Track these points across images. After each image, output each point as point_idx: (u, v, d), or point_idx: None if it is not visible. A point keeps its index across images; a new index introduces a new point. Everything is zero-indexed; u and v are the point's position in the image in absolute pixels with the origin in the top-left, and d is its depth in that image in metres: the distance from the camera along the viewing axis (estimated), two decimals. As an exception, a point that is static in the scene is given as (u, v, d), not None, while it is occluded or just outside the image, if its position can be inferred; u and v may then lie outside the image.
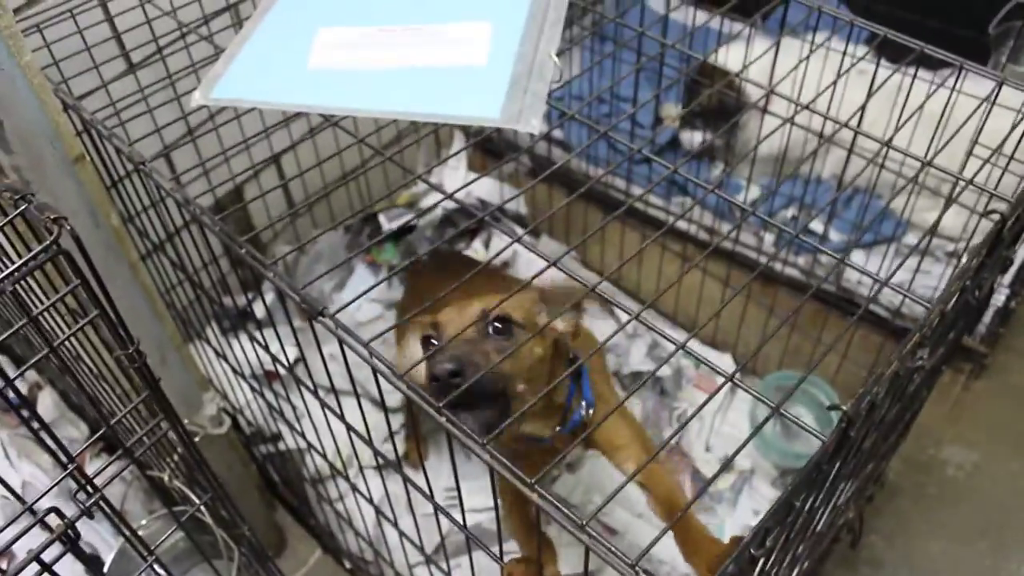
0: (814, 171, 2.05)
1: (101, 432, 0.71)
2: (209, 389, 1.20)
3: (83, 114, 1.00)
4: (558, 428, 1.12)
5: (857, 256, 1.92)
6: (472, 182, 1.06)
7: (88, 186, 0.92)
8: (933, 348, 0.85)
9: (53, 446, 0.67)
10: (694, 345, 1.72)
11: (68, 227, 0.61)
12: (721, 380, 1.68)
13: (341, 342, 0.74)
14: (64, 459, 0.67)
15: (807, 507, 0.75)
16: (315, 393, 0.97)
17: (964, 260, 0.84)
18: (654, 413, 1.63)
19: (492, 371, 0.89)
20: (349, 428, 0.93)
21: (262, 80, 1.00)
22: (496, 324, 0.97)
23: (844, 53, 1.29)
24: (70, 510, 0.65)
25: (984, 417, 1.73)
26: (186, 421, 1.13)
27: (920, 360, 0.77)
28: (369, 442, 0.92)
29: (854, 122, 1.09)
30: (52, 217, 0.60)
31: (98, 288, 0.65)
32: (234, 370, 1.20)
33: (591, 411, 1.14)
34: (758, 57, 1.31)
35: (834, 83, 1.19)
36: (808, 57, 1.32)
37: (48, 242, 0.59)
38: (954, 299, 0.82)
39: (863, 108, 1.19)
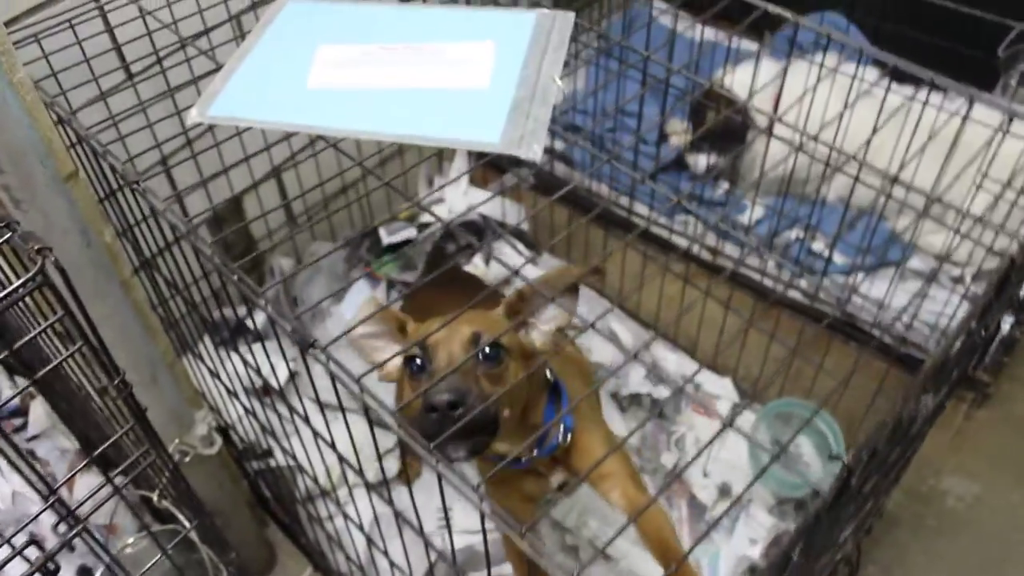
0: (820, 193, 2.03)
1: (85, 462, 0.70)
2: (201, 407, 1.19)
3: (78, 129, 0.99)
4: (534, 451, 1.10)
5: (860, 279, 1.90)
6: (481, 203, 1.05)
7: (80, 204, 0.91)
8: (937, 389, 0.83)
9: (34, 478, 0.65)
10: (692, 369, 1.71)
11: (52, 258, 0.59)
12: (722, 406, 1.66)
13: (333, 377, 0.72)
14: (45, 491, 0.66)
15: (806, 557, 0.73)
16: (306, 420, 0.95)
17: (971, 290, 0.83)
18: (652, 436, 1.61)
19: (476, 396, 0.88)
20: (341, 459, 0.91)
21: (260, 98, 0.98)
22: (485, 349, 0.95)
23: (854, 77, 1.28)
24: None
25: (986, 447, 1.71)
26: (176, 441, 1.12)
27: (924, 407, 0.75)
28: (360, 472, 0.90)
29: (861, 152, 1.07)
30: (36, 248, 0.59)
31: (83, 319, 0.63)
32: (228, 390, 1.18)
33: (569, 436, 1.12)
34: (765, 85, 1.29)
35: (841, 114, 1.17)
36: (816, 86, 1.31)
37: (31, 274, 0.57)
38: (959, 341, 0.81)
39: (869, 141, 1.18)
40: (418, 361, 0.96)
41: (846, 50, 2.07)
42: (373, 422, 0.77)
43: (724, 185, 2.05)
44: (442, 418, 0.85)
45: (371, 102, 0.96)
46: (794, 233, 1.91)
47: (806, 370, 1.65)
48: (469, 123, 0.93)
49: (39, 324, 0.61)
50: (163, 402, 1.09)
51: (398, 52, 1.03)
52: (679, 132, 2.13)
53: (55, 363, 0.62)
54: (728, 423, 0.68)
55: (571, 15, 1.09)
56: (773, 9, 1.21)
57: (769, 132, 1.61)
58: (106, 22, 1.22)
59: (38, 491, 0.66)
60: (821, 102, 1.50)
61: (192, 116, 0.95)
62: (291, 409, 0.97)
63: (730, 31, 1.39)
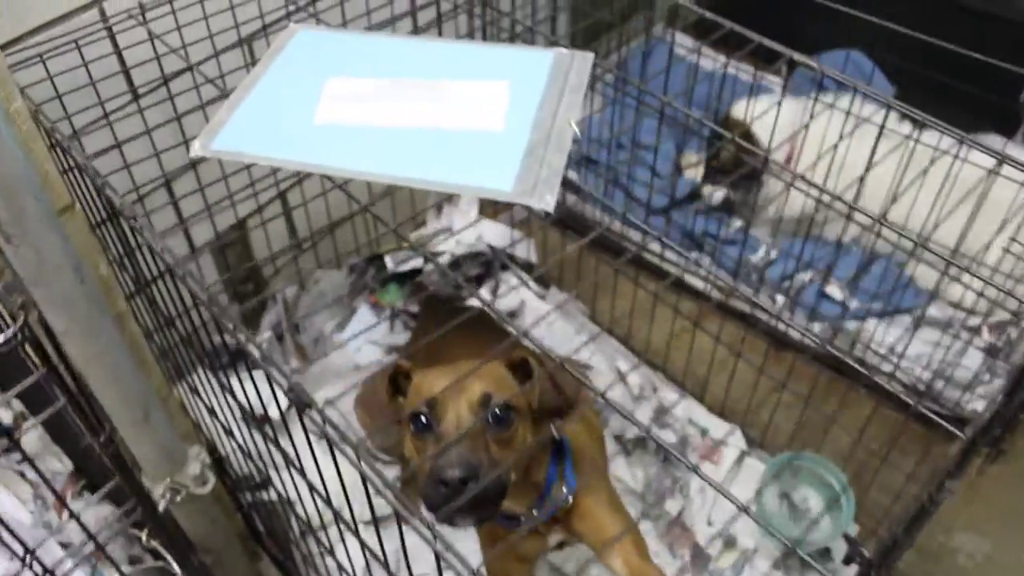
0: (834, 235, 1.99)
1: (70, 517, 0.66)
2: (195, 443, 1.15)
3: (76, 156, 0.96)
4: (534, 510, 1.06)
5: (874, 325, 1.86)
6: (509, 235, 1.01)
7: (75, 238, 0.87)
8: (960, 466, 0.79)
9: (9, 539, 0.62)
10: (700, 415, 1.67)
11: (35, 313, 0.56)
12: (729, 451, 1.62)
13: (331, 445, 0.68)
14: (22, 553, 0.62)
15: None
16: (301, 472, 0.91)
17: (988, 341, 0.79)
18: (656, 482, 1.57)
19: (483, 464, 0.85)
20: (337, 516, 0.87)
21: (266, 132, 0.95)
22: (496, 411, 0.91)
23: (880, 129, 1.24)
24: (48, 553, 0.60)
25: (998, 504, 1.66)
26: (168, 479, 1.08)
27: (950, 492, 0.71)
28: (354, 530, 0.86)
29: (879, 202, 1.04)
30: (19, 302, 0.55)
31: (68, 375, 0.60)
32: (225, 429, 1.15)
33: (571, 498, 1.08)
34: (789, 137, 1.26)
35: (867, 171, 1.14)
36: (841, 139, 1.28)
37: (12, 331, 0.54)
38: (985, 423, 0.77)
39: (895, 196, 1.15)
40: (423, 419, 0.92)
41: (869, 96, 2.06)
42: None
43: (738, 223, 2.02)
44: (453, 492, 0.82)
45: (379, 141, 0.93)
46: (808, 276, 1.87)
47: (816, 417, 1.61)
48: (481, 168, 0.90)
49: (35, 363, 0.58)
50: (155, 439, 1.05)
51: (409, 88, 1.00)
52: (693, 164, 2.10)
53: (35, 421, 0.59)
54: (744, 508, 0.64)
55: (590, 56, 1.06)
56: (799, 58, 1.18)
57: (790, 184, 1.58)
58: (114, 43, 1.19)
59: (12, 551, 0.62)
60: (840, 146, 1.47)
61: (195, 149, 0.92)
62: (287, 459, 0.94)
63: (750, 63, 1.36)
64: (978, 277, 0.93)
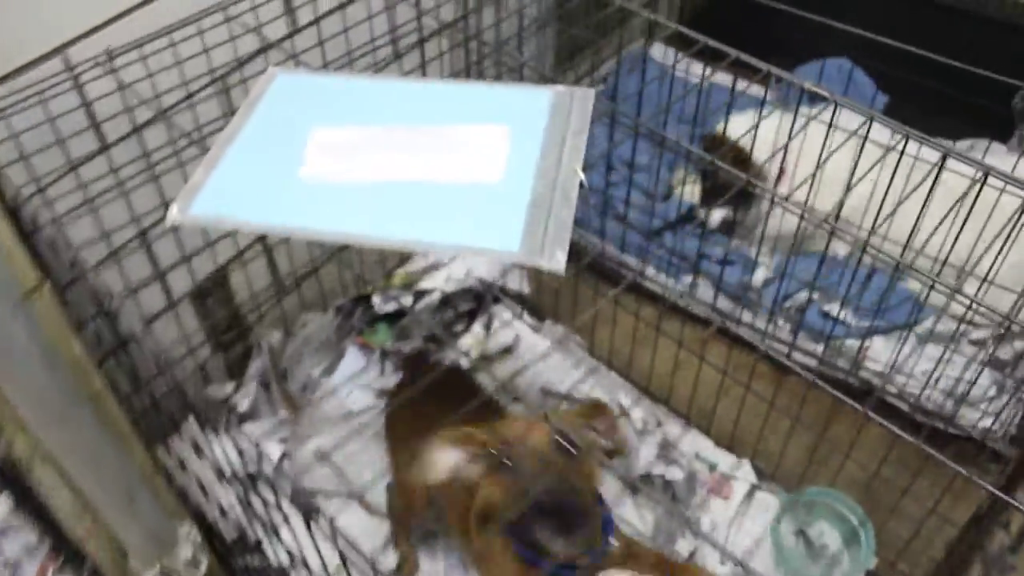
0: (830, 251, 1.95)
1: None
2: (184, 521, 1.08)
3: (40, 221, 0.89)
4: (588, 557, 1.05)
5: (876, 342, 1.81)
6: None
7: (44, 323, 0.80)
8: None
9: None
10: (707, 448, 1.61)
11: None
12: (739, 484, 1.56)
13: (343, 557, 0.61)
14: None
15: None
16: (292, 559, 0.84)
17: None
18: (665, 520, 1.51)
19: (576, 491, 0.92)
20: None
21: (248, 193, 0.88)
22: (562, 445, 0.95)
23: (864, 140, 1.20)
24: None
25: None
26: (158, 566, 1.01)
27: (1012, 568, 0.66)
28: None
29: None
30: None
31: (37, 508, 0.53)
32: (221, 511, 1.08)
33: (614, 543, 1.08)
34: (775, 152, 1.22)
35: (848, 188, 1.09)
36: (823, 153, 1.23)
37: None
38: None
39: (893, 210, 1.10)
40: (503, 460, 0.96)
41: (855, 98, 2.02)
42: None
43: (735, 242, 1.96)
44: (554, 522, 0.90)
45: (372, 198, 0.86)
46: (806, 295, 1.82)
47: (827, 444, 1.56)
48: (483, 225, 0.83)
49: None
50: (142, 522, 0.98)
51: (401, 136, 0.94)
52: (682, 182, 2.05)
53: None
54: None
55: (591, 93, 0.99)
56: (778, 72, 1.13)
57: (775, 203, 1.53)
58: (82, 95, 1.12)
59: None
60: (833, 160, 1.42)
61: (172, 216, 0.85)
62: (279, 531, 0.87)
63: (734, 74, 1.31)
64: (961, 293, 0.89)
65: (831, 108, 1.95)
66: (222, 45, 1.24)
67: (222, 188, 0.88)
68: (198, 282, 1.46)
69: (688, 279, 1.89)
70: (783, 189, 1.84)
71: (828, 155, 1.21)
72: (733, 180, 1.83)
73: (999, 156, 1.98)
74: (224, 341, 1.58)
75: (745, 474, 1.56)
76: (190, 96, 1.20)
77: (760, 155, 1.79)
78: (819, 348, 1.78)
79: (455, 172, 0.89)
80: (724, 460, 1.57)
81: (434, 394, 1.00)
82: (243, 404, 1.54)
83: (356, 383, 1.65)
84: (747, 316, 1.81)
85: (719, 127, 1.88)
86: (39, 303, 0.80)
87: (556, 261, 0.79)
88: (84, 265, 0.92)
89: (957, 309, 1.79)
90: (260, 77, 1.04)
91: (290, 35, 1.32)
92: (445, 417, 0.94)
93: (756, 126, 1.42)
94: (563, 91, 0.99)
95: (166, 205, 1.24)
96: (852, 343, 1.78)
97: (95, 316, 1.07)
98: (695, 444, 1.59)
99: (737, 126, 1.84)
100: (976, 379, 1.54)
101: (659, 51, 2.34)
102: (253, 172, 0.90)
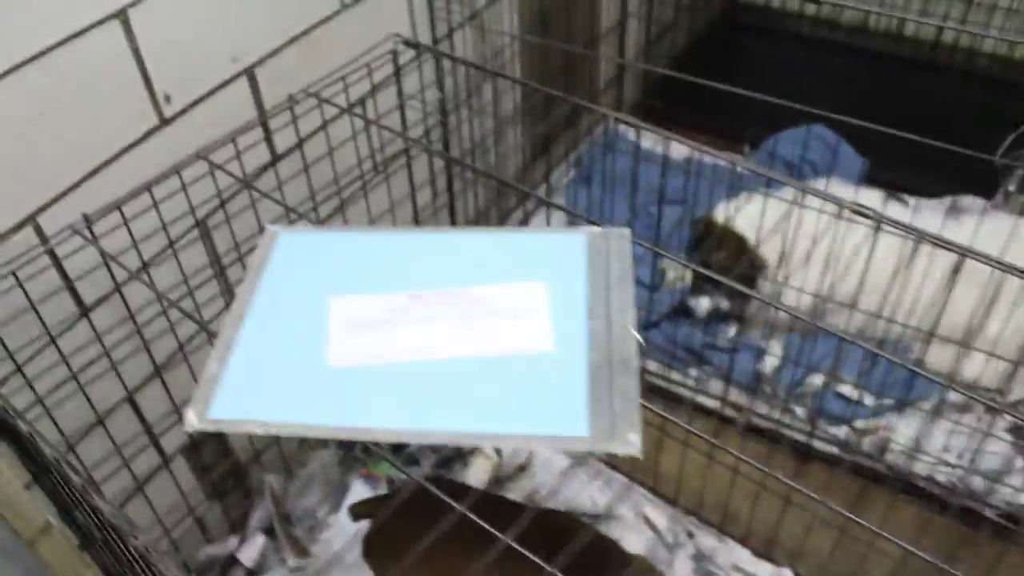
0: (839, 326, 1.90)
1: None
2: None
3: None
4: None
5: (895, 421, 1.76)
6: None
7: (56, 563, 0.70)
8: None
9: None
10: (745, 559, 1.52)
11: None
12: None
13: None
14: None
15: None
16: None
17: None
18: (711, 644, 1.42)
19: None
20: None
21: (273, 386, 0.79)
22: None
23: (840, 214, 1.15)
24: None
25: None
26: None
27: None
28: None
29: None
30: None
31: None
32: None
33: None
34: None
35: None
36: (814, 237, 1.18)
37: None
38: None
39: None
40: None
41: (841, 176, 1.99)
42: None
43: (731, 330, 1.90)
44: None
45: (414, 384, 0.78)
46: (819, 379, 1.76)
47: (852, 527, 1.48)
48: (542, 407, 0.75)
49: None
50: None
51: (430, 303, 0.86)
52: (674, 270, 1.99)
53: None
54: None
55: (626, 233, 0.93)
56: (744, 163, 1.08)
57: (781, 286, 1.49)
58: (60, 269, 1.02)
59: None
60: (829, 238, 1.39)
61: (190, 421, 0.75)
62: None
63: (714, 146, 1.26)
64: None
65: (825, 179, 1.93)
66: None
67: (242, 382, 0.79)
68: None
69: (694, 372, 1.82)
70: (782, 273, 1.80)
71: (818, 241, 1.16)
72: (730, 267, 1.80)
73: (993, 220, 1.95)
74: (222, 490, 1.46)
75: (788, 585, 1.47)
76: (172, 244, 1.11)
77: (754, 239, 1.75)
78: (839, 432, 1.72)
79: (497, 344, 0.81)
80: (764, 571, 1.49)
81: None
82: (249, 559, 1.42)
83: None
84: (760, 406, 1.75)
85: (716, 214, 1.83)
86: (45, 546, 0.70)
87: (630, 444, 0.71)
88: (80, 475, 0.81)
89: (969, 373, 1.75)
90: (260, 240, 0.95)
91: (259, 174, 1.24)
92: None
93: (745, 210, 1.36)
94: (597, 233, 0.92)
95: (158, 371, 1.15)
96: (865, 422, 1.73)
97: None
98: (732, 555, 1.51)
99: (730, 210, 1.80)
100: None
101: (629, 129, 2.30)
102: (274, 359, 0.81)
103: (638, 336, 0.80)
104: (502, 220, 2.05)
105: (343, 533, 1.52)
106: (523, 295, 0.85)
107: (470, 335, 0.81)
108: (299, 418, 0.76)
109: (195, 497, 1.39)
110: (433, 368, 0.79)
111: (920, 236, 1.04)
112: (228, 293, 1.20)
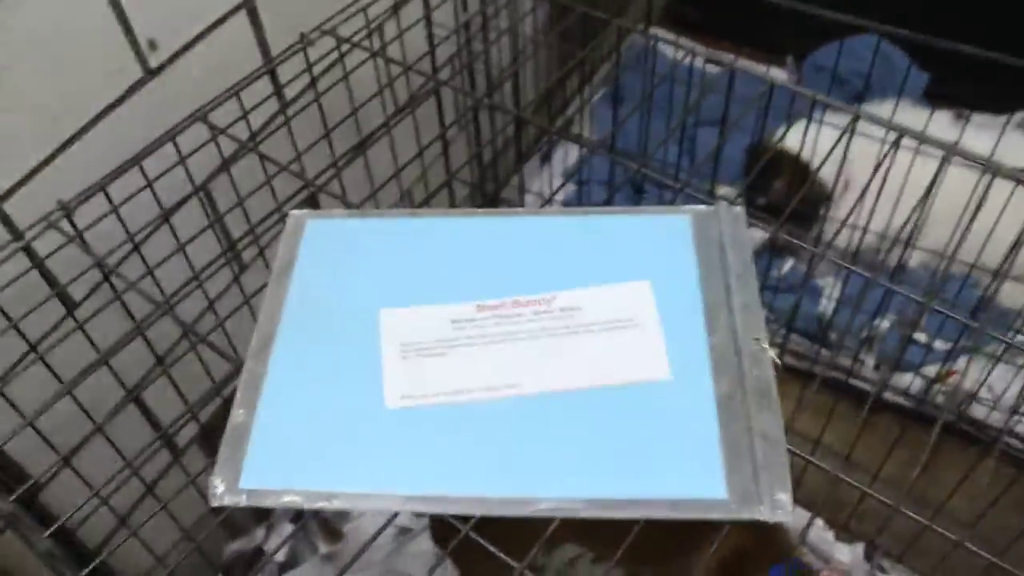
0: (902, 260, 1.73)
1: None
2: None
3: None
4: None
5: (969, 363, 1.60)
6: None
7: None
8: None
9: None
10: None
11: None
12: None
13: None
14: None
15: None
16: None
17: None
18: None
19: None
20: None
21: (318, 443, 0.62)
22: None
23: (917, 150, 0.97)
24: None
25: None
26: None
27: None
28: None
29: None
30: None
31: None
32: None
33: None
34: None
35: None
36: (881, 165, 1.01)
37: None
38: None
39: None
40: None
41: (903, 93, 1.79)
42: None
43: (790, 261, 1.74)
44: None
45: (501, 431, 0.61)
46: (886, 322, 1.60)
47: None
48: (666, 461, 0.59)
49: None
50: None
51: (506, 315, 0.68)
52: (731, 200, 1.81)
53: None
54: None
55: (740, 211, 0.75)
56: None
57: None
58: (42, 271, 0.84)
59: None
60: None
61: (217, 495, 0.59)
62: None
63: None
64: None
65: (882, 99, 1.72)
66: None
67: (278, 436, 0.62)
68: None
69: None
70: (845, 206, 1.63)
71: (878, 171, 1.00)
72: (789, 199, 1.62)
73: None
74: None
75: (858, 561, 1.35)
76: (177, 240, 0.92)
77: (822, 168, 1.56)
78: (910, 380, 1.57)
79: (599, 371, 0.64)
80: (841, 550, 1.36)
81: None
82: (279, 551, 1.30)
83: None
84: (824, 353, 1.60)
85: (781, 141, 1.64)
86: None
87: (779, 506, 0.56)
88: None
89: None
90: (283, 231, 0.77)
91: (283, 123, 1.04)
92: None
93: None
94: (704, 212, 0.75)
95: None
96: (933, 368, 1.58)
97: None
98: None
99: (789, 137, 1.60)
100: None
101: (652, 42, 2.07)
102: (314, 401, 0.64)
103: (774, 356, 0.63)
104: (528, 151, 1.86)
105: (376, 516, 1.39)
106: (624, 301, 0.68)
107: (562, 361, 0.64)
108: (353, 485, 0.60)
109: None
110: (521, 409, 0.62)
111: (996, 169, 0.87)
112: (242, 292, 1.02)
